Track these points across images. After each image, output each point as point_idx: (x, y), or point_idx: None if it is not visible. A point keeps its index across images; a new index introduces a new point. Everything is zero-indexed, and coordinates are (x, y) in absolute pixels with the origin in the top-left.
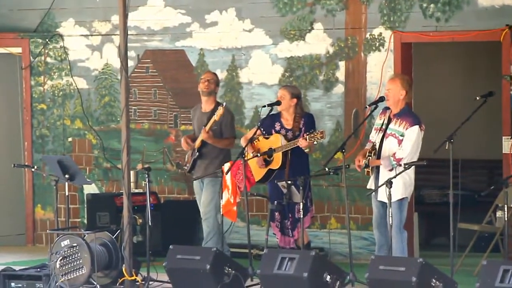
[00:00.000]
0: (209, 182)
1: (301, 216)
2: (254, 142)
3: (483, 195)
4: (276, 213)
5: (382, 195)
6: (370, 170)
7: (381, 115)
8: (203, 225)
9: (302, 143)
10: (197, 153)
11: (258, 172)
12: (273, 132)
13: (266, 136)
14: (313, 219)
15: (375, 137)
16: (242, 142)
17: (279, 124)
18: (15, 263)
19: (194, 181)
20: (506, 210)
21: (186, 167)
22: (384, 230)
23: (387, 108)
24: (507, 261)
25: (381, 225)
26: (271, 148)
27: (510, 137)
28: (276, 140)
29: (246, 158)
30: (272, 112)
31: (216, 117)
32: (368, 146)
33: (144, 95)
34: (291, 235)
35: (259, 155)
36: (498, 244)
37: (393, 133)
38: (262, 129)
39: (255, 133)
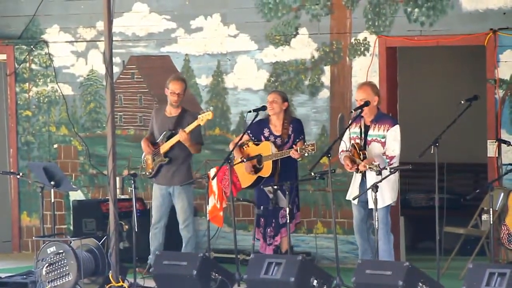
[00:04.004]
0: (182, 189)
1: (287, 221)
2: (244, 147)
3: (469, 199)
4: (262, 219)
5: (371, 203)
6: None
7: (354, 124)
8: (184, 232)
9: (294, 154)
10: (166, 159)
11: (247, 178)
12: (262, 138)
13: (256, 142)
14: (298, 225)
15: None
16: (231, 147)
17: (267, 130)
18: (1, 271)
19: (156, 186)
20: (491, 213)
21: (148, 173)
22: (365, 235)
23: (359, 117)
24: (493, 264)
25: (363, 229)
26: (259, 154)
27: (495, 140)
28: (266, 148)
29: (234, 163)
30: (261, 118)
31: (202, 121)
32: (347, 154)
33: (130, 101)
34: (269, 244)
35: (245, 160)
36: (484, 248)
37: (375, 139)
38: (250, 134)
39: (241, 138)
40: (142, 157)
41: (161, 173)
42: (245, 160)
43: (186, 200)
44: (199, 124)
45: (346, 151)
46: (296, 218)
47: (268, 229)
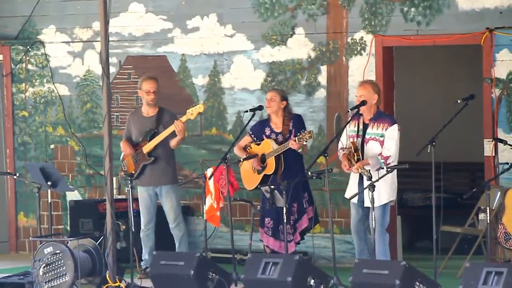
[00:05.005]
0: (169, 188)
1: (284, 221)
2: (247, 149)
3: (466, 198)
4: (267, 219)
5: (368, 201)
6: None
7: (353, 122)
8: (175, 231)
9: (293, 145)
10: (151, 158)
11: (253, 180)
12: (264, 137)
13: (258, 142)
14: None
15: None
16: (236, 151)
17: (269, 128)
18: None
19: (141, 188)
20: (488, 212)
21: (131, 177)
22: (362, 235)
23: (359, 115)
24: (489, 263)
25: (360, 229)
26: (256, 154)
27: (491, 139)
28: (267, 146)
29: (241, 164)
30: (263, 118)
31: (192, 116)
32: (345, 151)
33: (126, 101)
34: (289, 240)
35: (241, 160)
36: (481, 247)
37: (373, 137)
38: (253, 135)
39: (237, 138)
40: (121, 159)
41: (145, 174)
42: (241, 160)
43: (175, 199)
44: (189, 119)
45: (345, 148)
46: (308, 213)
47: (281, 227)
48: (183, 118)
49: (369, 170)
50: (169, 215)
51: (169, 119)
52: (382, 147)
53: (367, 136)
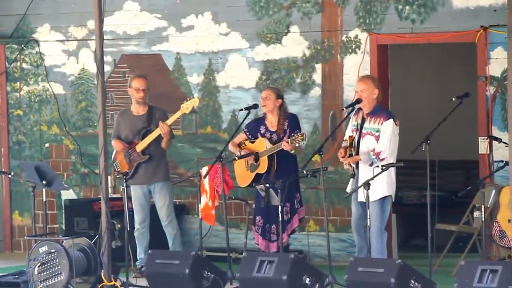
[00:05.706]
0: (163, 185)
1: (280, 219)
2: (242, 147)
3: (460, 196)
4: (258, 218)
5: (362, 196)
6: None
7: (354, 116)
8: (168, 228)
9: (285, 146)
10: (146, 156)
11: (246, 178)
12: (259, 135)
13: (252, 140)
14: (303, 221)
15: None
16: (230, 147)
17: (264, 127)
18: None
19: (135, 187)
20: (483, 210)
21: (123, 175)
22: (363, 232)
23: (359, 109)
24: (484, 261)
25: (360, 227)
26: (252, 152)
27: (486, 137)
28: (261, 144)
29: (235, 162)
30: (257, 116)
31: (187, 110)
32: (345, 143)
33: (121, 99)
34: (272, 240)
35: (236, 158)
36: (476, 245)
37: (369, 132)
38: (248, 133)
39: (233, 137)
40: (112, 160)
41: (138, 173)
42: (236, 158)
43: (168, 196)
44: (184, 113)
45: (345, 140)
46: (299, 213)
47: (272, 226)
48: (176, 115)
49: (353, 168)
50: (161, 212)
51: (160, 117)
52: (377, 142)
53: (363, 131)
